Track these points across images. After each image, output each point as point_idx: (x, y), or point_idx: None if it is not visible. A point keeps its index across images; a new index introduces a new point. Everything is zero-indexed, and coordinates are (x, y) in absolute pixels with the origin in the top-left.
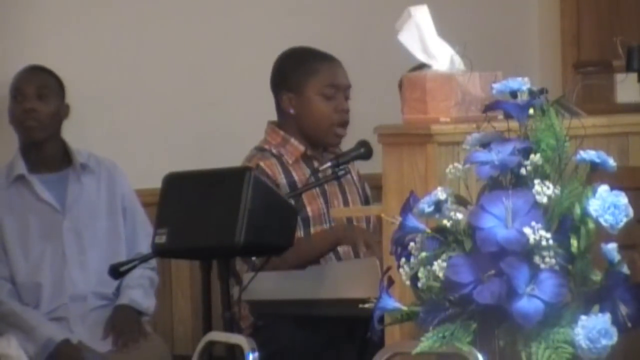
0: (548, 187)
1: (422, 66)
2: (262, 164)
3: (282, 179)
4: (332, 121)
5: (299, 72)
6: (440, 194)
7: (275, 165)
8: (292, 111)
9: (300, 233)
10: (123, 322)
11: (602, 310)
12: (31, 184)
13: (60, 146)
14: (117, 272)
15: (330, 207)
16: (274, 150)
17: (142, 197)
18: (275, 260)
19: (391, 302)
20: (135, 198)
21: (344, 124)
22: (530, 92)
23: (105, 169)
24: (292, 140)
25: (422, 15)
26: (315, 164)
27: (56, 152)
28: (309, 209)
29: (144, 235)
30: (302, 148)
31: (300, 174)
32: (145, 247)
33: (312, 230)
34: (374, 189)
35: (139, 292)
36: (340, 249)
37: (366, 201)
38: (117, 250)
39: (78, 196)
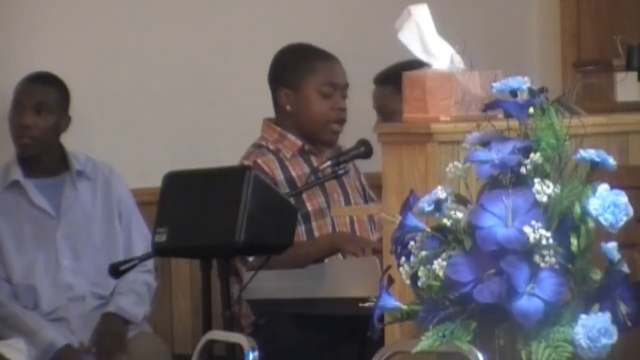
0: (548, 186)
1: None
2: (259, 160)
3: (279, 175)
4: (329, 119)
5: (297, 69)
6: (440, 193)
7: (273, 161)
8: (289, 108)
9: (301, 229)
10: (105, 335)
11: (602, 309)
12: (26, 190)
13: (58, 153)
14: (117, 271)
15: (330, 200)
16: (271, 146)
17: (142, 196)
18: (272, 260)
19: (391, 301)
20: (131, 202)
21: (341, 122)
22: (530, 91)
23: (102, 174)
24: (290, 136)
25: (422, 14)
26: (313, 158)
27: (53, 160)
28: (308, 205)
29: (139, 239)
30: (299, 143)
31: (298, 169)
32: (141, 252)
33: (313, 225)
34: (373, 188)
35: (130, 298)
36: None
37: (363, 191)
38: (114, 255)
39: (73, 202)
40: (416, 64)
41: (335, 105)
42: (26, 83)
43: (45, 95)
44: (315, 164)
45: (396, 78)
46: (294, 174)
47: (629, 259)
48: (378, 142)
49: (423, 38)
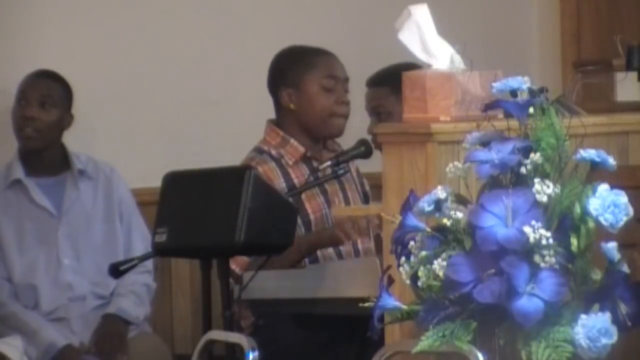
0: (548, 186)
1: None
2: (260, 169)
3: (281, 183)
4: (333, 113)
5: (297, 67)
6: (440, 192)
7: (274, 169)
8: (292, 106)
9: None
10: (106, 336)
11: (602, 309)
12: (27, 189)
13: (59, 152)
14: (116, 271)
15: (331, 206)
16: (273, 152)
17: (142, 196)
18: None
19: (391, 301)
20: (132, 203)
21: (345, 115)
22: (530, 91)
23: (103, 174)
24: (292, 141)
25: (422, 14)
26: (315, 164)
27: (54, 158)
28: (309, 210)
29: (139, 240)
30: (302, 149)
31: (300, 175)
32: (140, 253)
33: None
34: (373, 188)
35: (130, 300)
36: (342, 247)
37: (365, 198)
38: (114, 255)
39: (75, 201)
40: (410, 67)
41: (339, 99)
42: (31, 77)
43: (49, 89)
44: None
45: (390, 79)
46: (295, 181)
47: (629, 259)
48: (372, 142)
49: (423, 38)
